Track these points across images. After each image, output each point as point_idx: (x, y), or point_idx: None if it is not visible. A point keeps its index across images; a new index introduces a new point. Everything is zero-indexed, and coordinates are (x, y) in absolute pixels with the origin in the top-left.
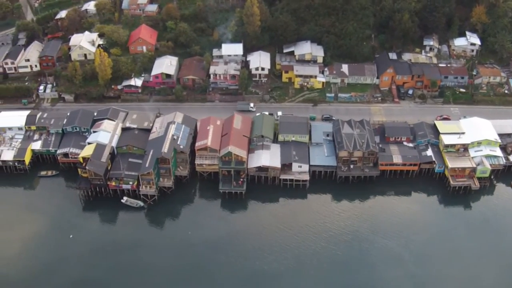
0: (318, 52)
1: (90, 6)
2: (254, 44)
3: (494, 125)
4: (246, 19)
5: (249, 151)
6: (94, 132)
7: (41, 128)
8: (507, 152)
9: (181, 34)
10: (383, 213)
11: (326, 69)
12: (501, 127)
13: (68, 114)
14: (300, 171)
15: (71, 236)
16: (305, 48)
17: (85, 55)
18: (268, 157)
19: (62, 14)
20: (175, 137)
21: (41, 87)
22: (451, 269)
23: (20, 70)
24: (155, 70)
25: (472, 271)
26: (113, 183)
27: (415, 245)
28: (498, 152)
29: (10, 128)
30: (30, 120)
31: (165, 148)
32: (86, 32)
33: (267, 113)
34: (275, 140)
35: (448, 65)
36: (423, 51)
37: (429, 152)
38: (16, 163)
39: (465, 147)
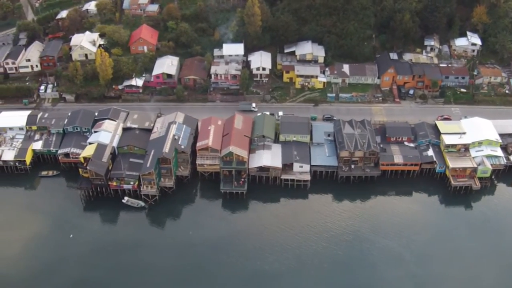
0: (319, 52)
1: (91, 6)
2: (255, 44)
3: (495, 125)
4: (247, 19)
5: (250, 151)
6: (95, 132)
7: (42, 128)
8: (508, 152)
9: (182, 34)
10: (384, 213)
11: (327, 69)
12: (502, 127)
13: (69, 114)
14: (301, 171)
15: (71, 235)
16: (306, 48)
17: (86, 55)
18: (269, 157)
19: (63, 14)
20: (176, 137)
21: (42, 87)
22: (452, 269)
23: (21, 70)
24: (156, 70)
25: (473, 271)
26: (114, 183)
27: (416, 245)
28: (499, 152)
29: (11, 128)
30: (31, 120)
31: (166, 148)
32: (87, 32)
33: (268, 113)
34: (276, 140)
35: (449, 65)
36: (424, 51)
37: (430, 152)
38: (17, 163)
39: (466, 147)
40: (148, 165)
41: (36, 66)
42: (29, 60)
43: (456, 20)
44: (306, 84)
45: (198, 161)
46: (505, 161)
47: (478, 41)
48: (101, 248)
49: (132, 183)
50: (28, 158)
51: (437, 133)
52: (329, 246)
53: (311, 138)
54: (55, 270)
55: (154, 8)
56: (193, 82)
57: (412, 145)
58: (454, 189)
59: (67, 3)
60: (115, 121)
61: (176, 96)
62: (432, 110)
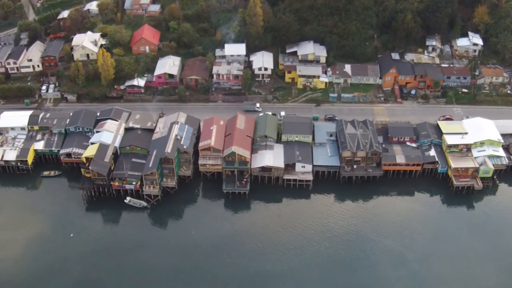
0: (321, 52)
1: (93, 6)
2: (257, 44)
3: (496, 125)
4: (249, 19)
5: (252, 151)
6: (97, 132)
7: (44, 128)
8: (510, 152)
9: (184, 34)
10: (386, 213)
11: (329, 69)
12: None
13: (71, 114)
14: (303, 171)
15: (71, 235)
16: (308, 48)
17: (88, 55)
18: (271, 157)
19: (64, 14)
20: (178, 137)
21: (44, 87)
22: (454, 269)
23: (23, 70)
24: (158, 70)
25: (475, 271)
26: (116, 183)
27: (418, 245)
28: (501, 152)
29: (12, 128)
30: (32, 120)
31: (169, 148)
32: (89, 32)
33: (270, 113)
34: (278, 140)
35: (451, 65)
36: (425, 51)
37: (432, 152)
38: (18, 163)
39: (468, 147)
40: (150, 165)
41: (38, 66)
42: (30, 60)
43: (457, 20)
44: (308, 84)
45: (200, 161)
46: (507, 161)
47: (479, 41)
48: (103, 248)
49: (134, 183)
50: (30, 158)
51: (439, 133)
52: (332, 246)
53: (313, 138)
54: (57, 270)
55: (155, 8)
56: (195, 82)
57: (414, 145)
58: (456, 189)
59: (68, 3)
60: (117, 121)
61: (178, 96)
62: (434, 110)
